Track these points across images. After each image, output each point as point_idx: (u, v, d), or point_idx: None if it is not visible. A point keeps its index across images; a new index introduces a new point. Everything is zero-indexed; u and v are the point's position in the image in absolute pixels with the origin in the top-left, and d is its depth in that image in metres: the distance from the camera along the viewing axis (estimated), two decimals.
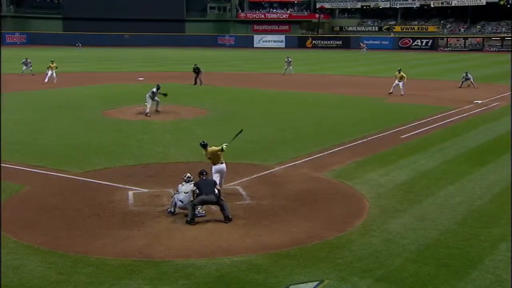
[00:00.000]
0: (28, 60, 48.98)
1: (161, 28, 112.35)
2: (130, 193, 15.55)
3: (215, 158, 15.16)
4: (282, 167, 18.55)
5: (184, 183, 14.03)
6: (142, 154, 20.26)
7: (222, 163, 15.22)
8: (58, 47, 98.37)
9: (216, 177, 14.82)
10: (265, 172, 17.82)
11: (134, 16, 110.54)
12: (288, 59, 53.67)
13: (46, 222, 13.51)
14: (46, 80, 42.56)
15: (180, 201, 13.78)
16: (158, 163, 19.01)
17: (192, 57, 74.00)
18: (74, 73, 52.54)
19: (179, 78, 46.85)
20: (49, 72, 43.13)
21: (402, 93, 36.95)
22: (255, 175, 17.37)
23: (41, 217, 13.82)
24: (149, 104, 28.49)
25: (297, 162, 19.16)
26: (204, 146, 15.29)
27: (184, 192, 13.80)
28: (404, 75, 37.72)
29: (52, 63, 44.09)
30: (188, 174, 14.29)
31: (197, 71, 43.55)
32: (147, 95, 28.66)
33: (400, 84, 37.24)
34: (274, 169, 18.20)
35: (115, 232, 12.89)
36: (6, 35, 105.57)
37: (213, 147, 15.29)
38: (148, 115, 28.01)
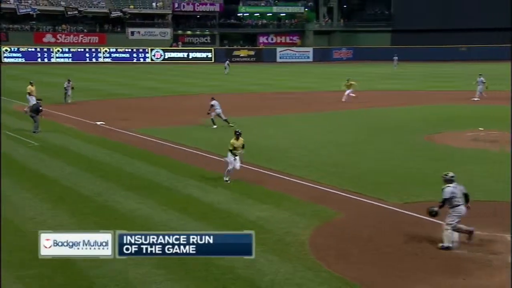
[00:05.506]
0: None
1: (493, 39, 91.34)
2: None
3: None
4: None
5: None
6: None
7: None
8: (382, 62, 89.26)
9: None
10: None
11: (473, 25, 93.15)
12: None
13: (359, 255, 12.72)
14: (343, 99, 40.61)
15: None
16: (498, 201, 16.15)
17: None
18: (387, 91, 50.02)
19: None
20: (347, 91, 41.11)
21: None
22: None
23: (354, 249, 13.08)
24: None
25: None
26: None
27: None
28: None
29: (348, 81, 42.07)
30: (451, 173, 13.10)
31: None
32: None
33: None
34: None
35: (435, 278, 11.41)
36: (334, 51, 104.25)
37: None
38: None
